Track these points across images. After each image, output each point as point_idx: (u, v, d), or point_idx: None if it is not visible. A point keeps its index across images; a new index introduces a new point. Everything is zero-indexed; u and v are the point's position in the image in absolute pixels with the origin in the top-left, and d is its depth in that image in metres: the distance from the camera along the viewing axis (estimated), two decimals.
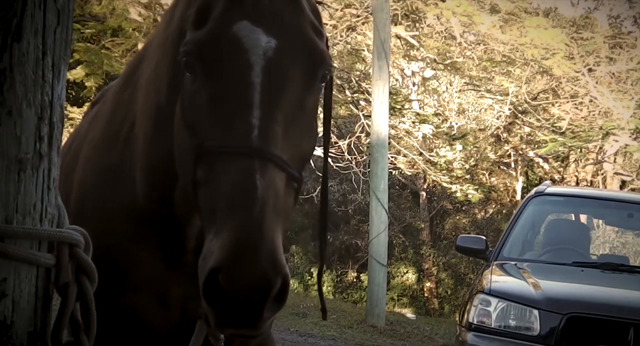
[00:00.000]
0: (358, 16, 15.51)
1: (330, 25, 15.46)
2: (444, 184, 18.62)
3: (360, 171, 17.16)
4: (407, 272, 21.62)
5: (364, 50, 16.87)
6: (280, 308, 1.64)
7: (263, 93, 1.74)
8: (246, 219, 1.59)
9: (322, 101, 2.08)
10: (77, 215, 2.23)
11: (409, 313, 18.63)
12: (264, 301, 1.58)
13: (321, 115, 2.09)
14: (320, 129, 2.05)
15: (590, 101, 18.65)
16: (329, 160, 16.38)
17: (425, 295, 21.63)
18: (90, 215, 2.22)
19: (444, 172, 18.10)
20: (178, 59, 1.85)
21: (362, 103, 17.02)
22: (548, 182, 9.97)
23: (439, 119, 19.52)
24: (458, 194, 18.97)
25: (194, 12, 1.86)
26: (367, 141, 15.28)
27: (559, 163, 22.25)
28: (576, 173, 22.21)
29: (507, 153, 22.46)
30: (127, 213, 2.16)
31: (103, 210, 2.21)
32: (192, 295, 2.00)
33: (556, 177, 22.07)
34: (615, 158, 20.54)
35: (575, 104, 19.49)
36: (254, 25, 1.79)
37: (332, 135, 16.95)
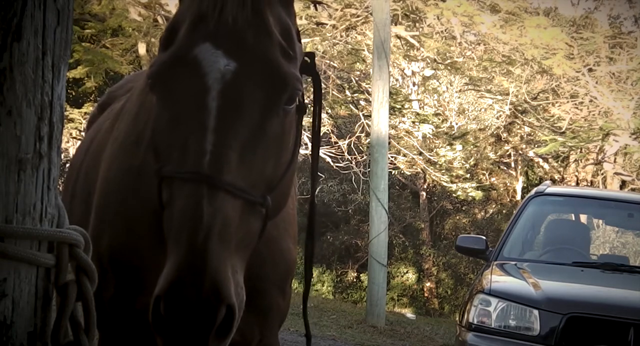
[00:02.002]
0: (358, 16, 15.48)
1: (330, 25, 15.45)
2: (444, 183, 18.62)
3: (360, 171, 17.14)
4: (407, 272, 21.60)
5: (364, 50, 16.84)
6: (228, 338, 1.60)
7: (219, 117, 1.70)
8: (189, 248, 1.58)
9: (313, 106, 2.07)
10: (100, 211, 2.26)
11: (409, 313, 18.61)
12: (207, 332, 1.56)
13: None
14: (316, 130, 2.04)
15: (590, 101, 18.64)
16: (329, 160, 16.41)
17: (425, 295, 21.62)
18: (113, 212, 2.22)
19: (444, 171, 18.09)
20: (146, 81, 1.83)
21: (362, 103, 17.01)
22: (548, 182, 9.95)
23: (439, 119, 19.53)
24: (459, 193, 18.96)
25: (164, 32, 1.84)
26: (367, 141, 15.27)
27: (559, 163, 22.24)
28: (576, 173, 22.20)
29: (507, 153, 22.45)
30: (149, 214, 2.13)
31: (126, 210, 2.20)
32: None
33: (556, 177, 22.05)
34: (615, 158, 20.53)
35: (575, 104, 19.47)
36: (215, 48, 1.75)
37: (332, 135, 16.99)
